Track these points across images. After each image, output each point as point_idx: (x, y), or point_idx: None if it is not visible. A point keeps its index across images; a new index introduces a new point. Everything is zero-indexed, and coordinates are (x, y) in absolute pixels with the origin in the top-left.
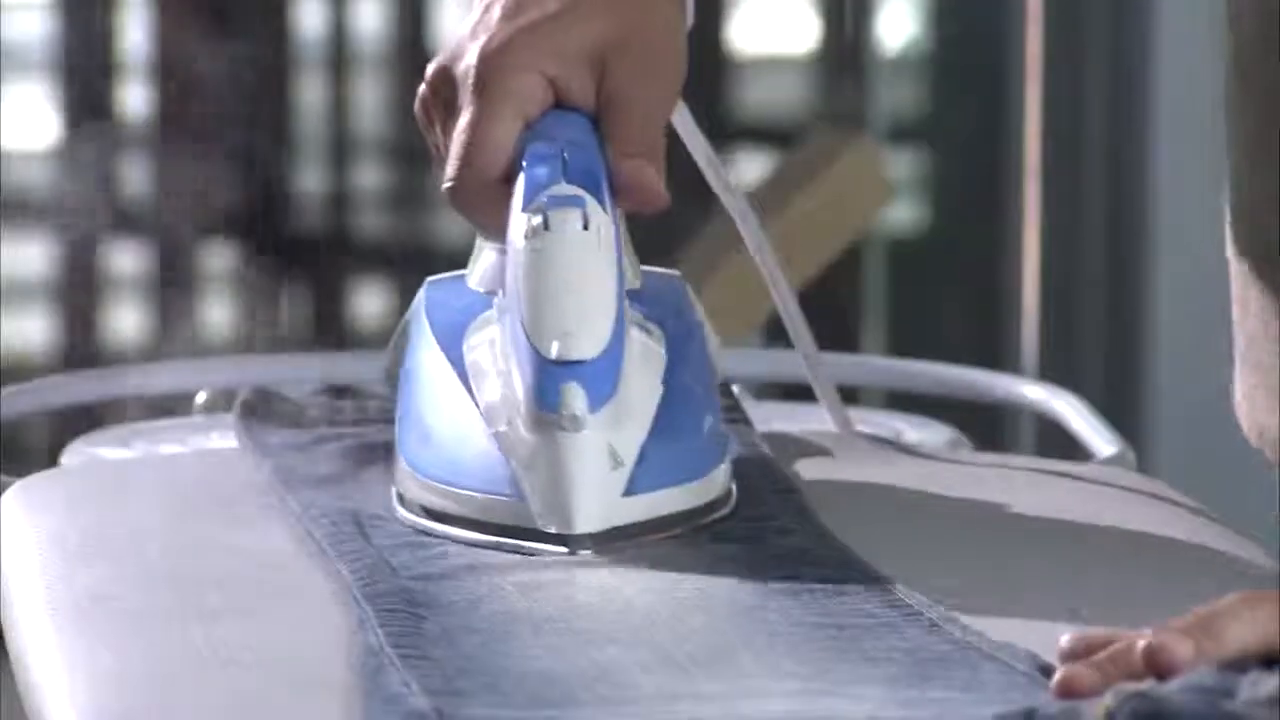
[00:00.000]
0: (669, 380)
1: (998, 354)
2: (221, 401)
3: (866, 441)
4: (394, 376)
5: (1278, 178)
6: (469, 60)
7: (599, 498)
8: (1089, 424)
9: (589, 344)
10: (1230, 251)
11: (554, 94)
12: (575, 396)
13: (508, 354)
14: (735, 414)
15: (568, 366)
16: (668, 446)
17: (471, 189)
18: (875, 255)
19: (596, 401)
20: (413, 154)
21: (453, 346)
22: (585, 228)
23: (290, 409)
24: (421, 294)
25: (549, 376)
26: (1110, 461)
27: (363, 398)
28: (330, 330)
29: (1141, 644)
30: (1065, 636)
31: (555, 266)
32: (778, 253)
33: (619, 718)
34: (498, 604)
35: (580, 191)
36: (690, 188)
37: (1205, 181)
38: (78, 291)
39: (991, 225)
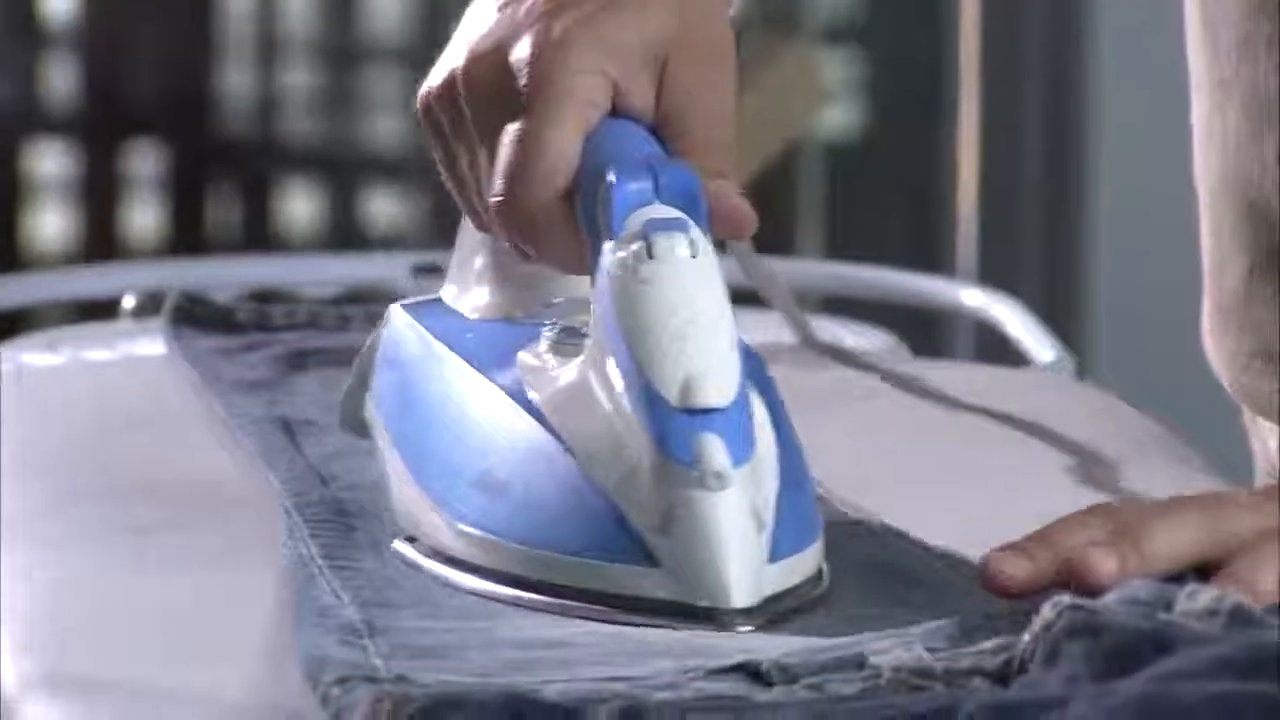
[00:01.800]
0: (775, 429)
1: (936, 259)
2: (149, 306)
3: (805, 348)
4: (355, 415)
5: (1254, 117)
6: (520, 54)
7: (752, 566)
8: (1028, 329)
9: (722, 389)
10: (1200, 182)
11: (612, 98)
12: (717, 450)
13: (610, 398)
14: None
15: (702, 415)
16: (796, 504)
17: (529, 206)
18: (811, 159)
19: (738, 455)
20: (341, 55)
21: (508, 383)
22: (694, 255)
23: (219, 314)
24: (402, 317)
25: (681, 426)
26: (1049, 367)
27: (292, 302)
28: (258, 234)
29: (1066, 559)
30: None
31: (669, 299)
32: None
33: (551, 628)
34: (471, 593)
35: (680, 214)
36: None
37: (1146, 82)
38: (2, 195)
39: (929, 128)
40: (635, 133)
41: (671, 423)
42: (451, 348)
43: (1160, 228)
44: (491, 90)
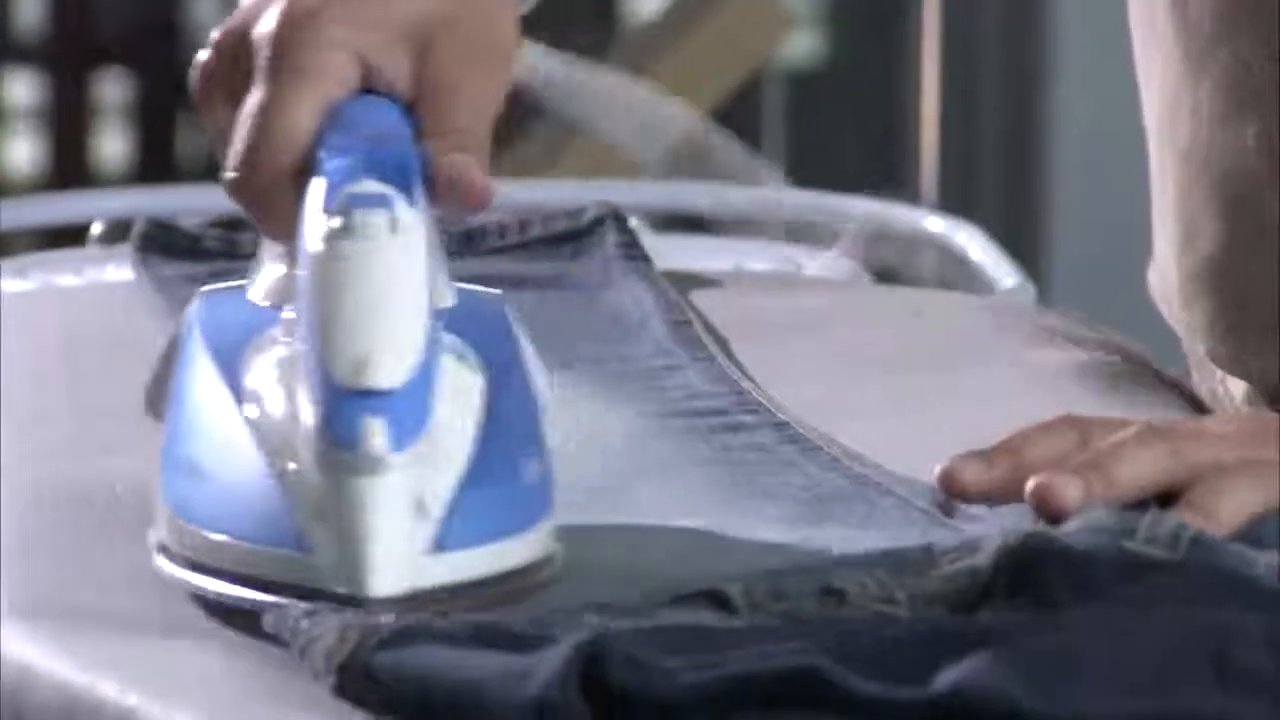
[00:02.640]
0: (487, 417)
1: (897, 186)
2: (118, 233)
3: (765, 274)
4: (158, 402)
5: (1231, 96)
6: (266, 27)
7: (400, 554)
8: (989, 256)
9: (393, 370)
10: (1161, 143)
11: (363, 75)
12: (375, 432)
13: (296, 380)
14: (633, 250)
15: (368, 396)
16: (483, 495)
17: (259, 182)
18: (773, 87)
19: (401, 439)
20: None
21: (230, 369)
22: (393, 232)
23: (187, 241)
24: (195, 306)
25: (345, 407)
26: (1010, 293)
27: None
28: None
29: (1029, 485)
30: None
31: (357, 277)
32: (675, 86)
33: None
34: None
35: (388, 189)
36: None
37: (1109, 8)
38: None
39: (890, 56)
40: (384, 109)
41: (337, 404)
42: (205, 334)
43: (1121, 156)
44: (236, 65)
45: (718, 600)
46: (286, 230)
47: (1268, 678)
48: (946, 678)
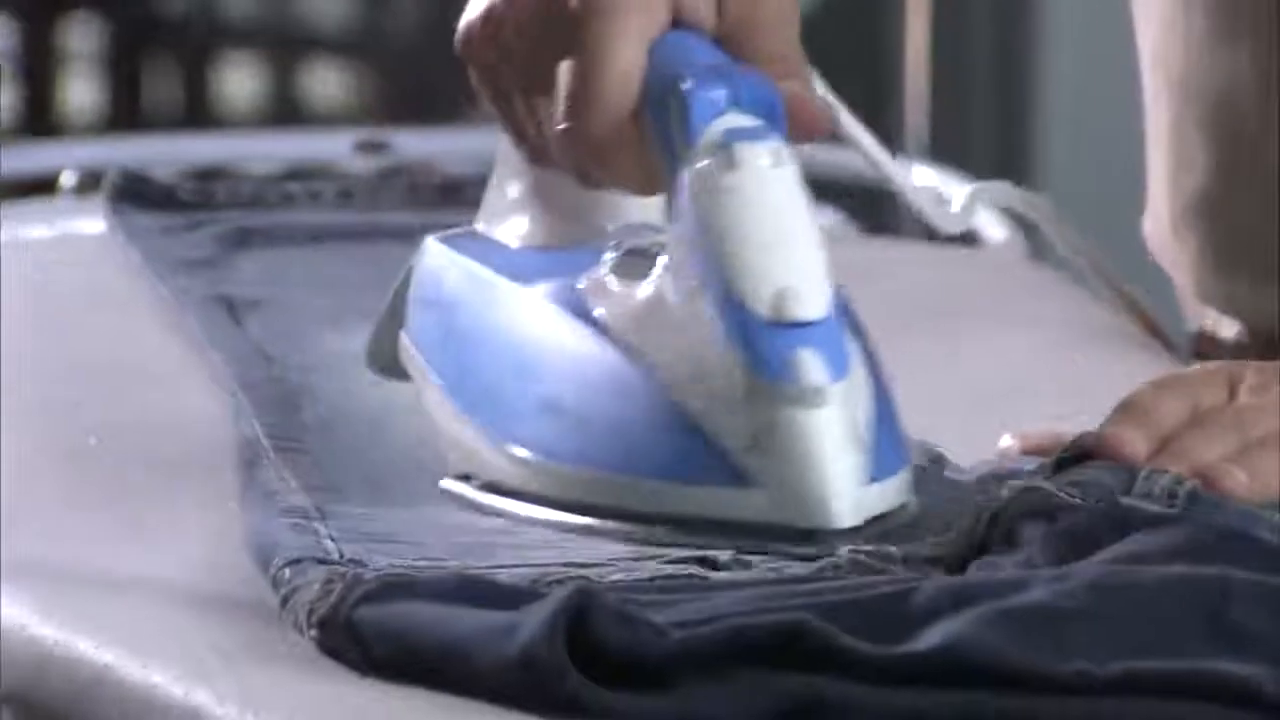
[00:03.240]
0: (860, 346)
1: (886, 137)
2: (90, 183)
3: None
4: (388, 355)
5: (1222, 21)
6: None
7: (853, 485)
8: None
9: (815, 301)
10: (1155, 75)
11: (673, 9)
12: (813, 364)
13: (692, 315)
14: None
15: (795, 329)
16: (889, 425)
17: (597, 129)
18: None
19: (835, 370)
20: None
21: (574, 306)
22: (777, 164)
23: (160, 192)
24: (440, 250)
25: (774, 341)
26: (1001, 246)
27: (234, 180)
28: (199, 110)
29: (1199, 470)
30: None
31: (755, 209)
32: None
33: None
34: (375, 391)
35: (759, 123)
36: None
37: None
38: None
39: (877, 5)
40: (699, 44)
41: (764, 338)
42: (501, 274)
43: (1112, 107)
44: (538, 17)
45: (707, 562)
46: (632, 172)
47: (1265, 634)
48: (938, 634)
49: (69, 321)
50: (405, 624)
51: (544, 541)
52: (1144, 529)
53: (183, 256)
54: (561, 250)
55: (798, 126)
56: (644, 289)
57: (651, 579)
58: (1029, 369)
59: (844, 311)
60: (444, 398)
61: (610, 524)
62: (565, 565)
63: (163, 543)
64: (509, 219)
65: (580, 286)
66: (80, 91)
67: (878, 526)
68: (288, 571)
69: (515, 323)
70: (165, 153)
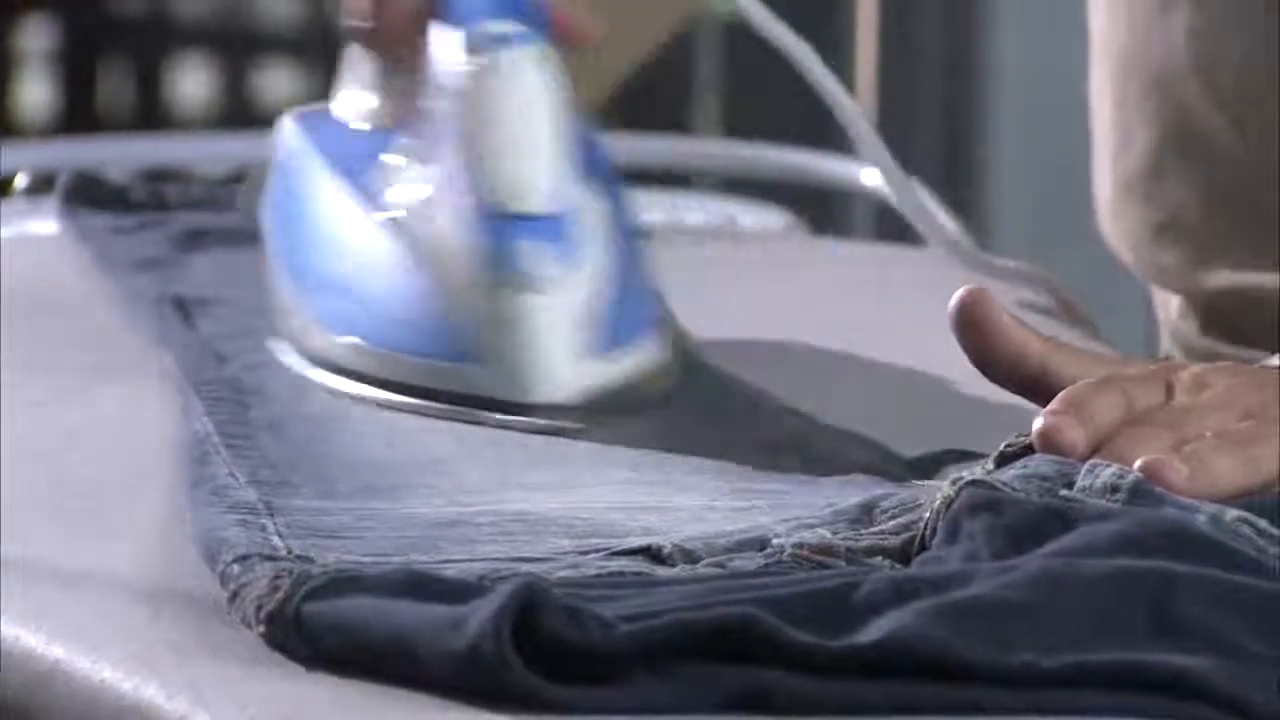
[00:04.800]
0: (613, 231)
1: (834, 138)
2: (42, 185)
3: (701, 228)
4: (254, 203)
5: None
6: None
7: (567, 363)
8: (925, 209)
9: (545, 196)
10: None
11: None
12: (534, 254)
13: (446, 205)
14: None
15: (527, 221)
16: (626, 304)
17: (388, 27)
18: (708, 37)
19: (560, 258)
20: None
21: (363, 189)
22: (535, 68)
23: (112, 193)
24: (290, 126)
25: (506, 231)
26: (947, 247)
27: (186, 181)
28: (152, 111)
29: (1142, 462)
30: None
31: (502, 110)
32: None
33: (449, 506)
34: (326, 390)
35: (524, 29)
36: None
37: None
38: None
39: (825, 5)
40: None
41: (494, 228)
42: (324, 155)
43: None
44: None
45: (652, 555)
46: (412, 65)
47: (1208, 627)
48: (881, 627)
49: (23, 319)
50: (353, 618)
51: (490, 536)
52: (1087, 522)
53: (135, 256)
54: (391, 130)
55: (563, 35)
56: (421, 177)
57: (598, 575)
58: (966, 366)
59: (612, 193)
60: (276, 267)
61: (380, 394)
62: (513, 560)
63: (113, 538)
64: (357, 97)
65: (375, 170)
66: (34, 92)
67: (618, 399)
68: (236, 567)
69: (322, 203)
70: (118, 154)
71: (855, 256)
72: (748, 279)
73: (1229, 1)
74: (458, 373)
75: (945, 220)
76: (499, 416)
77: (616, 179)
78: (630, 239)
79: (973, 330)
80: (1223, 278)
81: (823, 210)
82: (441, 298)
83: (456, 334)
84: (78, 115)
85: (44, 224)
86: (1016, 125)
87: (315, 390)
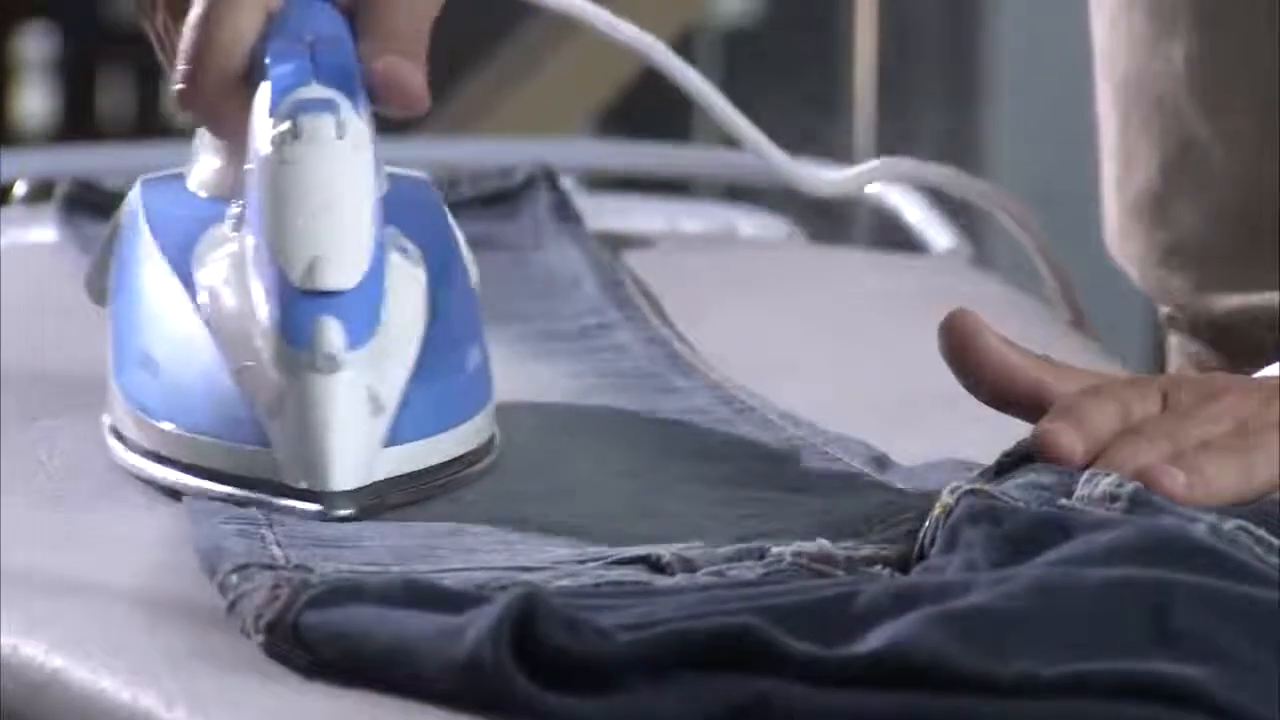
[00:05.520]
0: (432, 310)
1: (833, 146)
2: (41, 193)
3: (700, 235)
4: (99, 287)
5: (1159, 19)
6: None
7: (358, 450)
8: (924, 217)
9: (346, 271)
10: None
11: None
12: (331, 332)
13: (249, 279)
14: (565, 210)
15: (322, 298)
16: (433, 388)
17: (207, 91)
18: (708, 45)
19: (356, 338)
20: None
21: (182, 263)
22: (340, 136)
23: (111, 201)
24: (136, 193)
25: (300, 308)
26: (946, 255)
27: None
28: (151, 120)
29: (1137, 467)
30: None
31: (307, 180)
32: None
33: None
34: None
35: (333, 94)
36: None
37: None
38: None
39: (826, 12)
40: (323, 12)
41: (293, 305)
42: (155, 227)
43: (1060, 117)
44: None
45: (651, 564)
46: (235, 134)
47: (1206, 637)
48: (880, 636)
49: (21, 328)
50: (352, 628)
51: (489, 546)
52: (1086, 531)
53: None
54: (226, 200)
55: (391, 99)
56: (231, 249)
57: (597, 584)
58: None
59: (444, 260)
60: (108, 337)
61: (175, 477)
62: (511, 569)
63: (112, 548)
64: (198, 164)
65: (199, 243)
66: (33, 101)
67: (407, 488)
68: (235, 577)
69: (139, 275)
70: (117, 162)
71: (854, 264)
72: (746, 286)
73: (1229, 27)
74: (247, 456)
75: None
76: (281, 502)
77: (451, 240)
78: (460, 309)
79: (961, 354)
80: (1231, 300)
81: (822, 218)
82: (236, 376)
83: (249, 415)
84: (77, 123)
85: (43, 232)
86: (1018, 137)
87: None
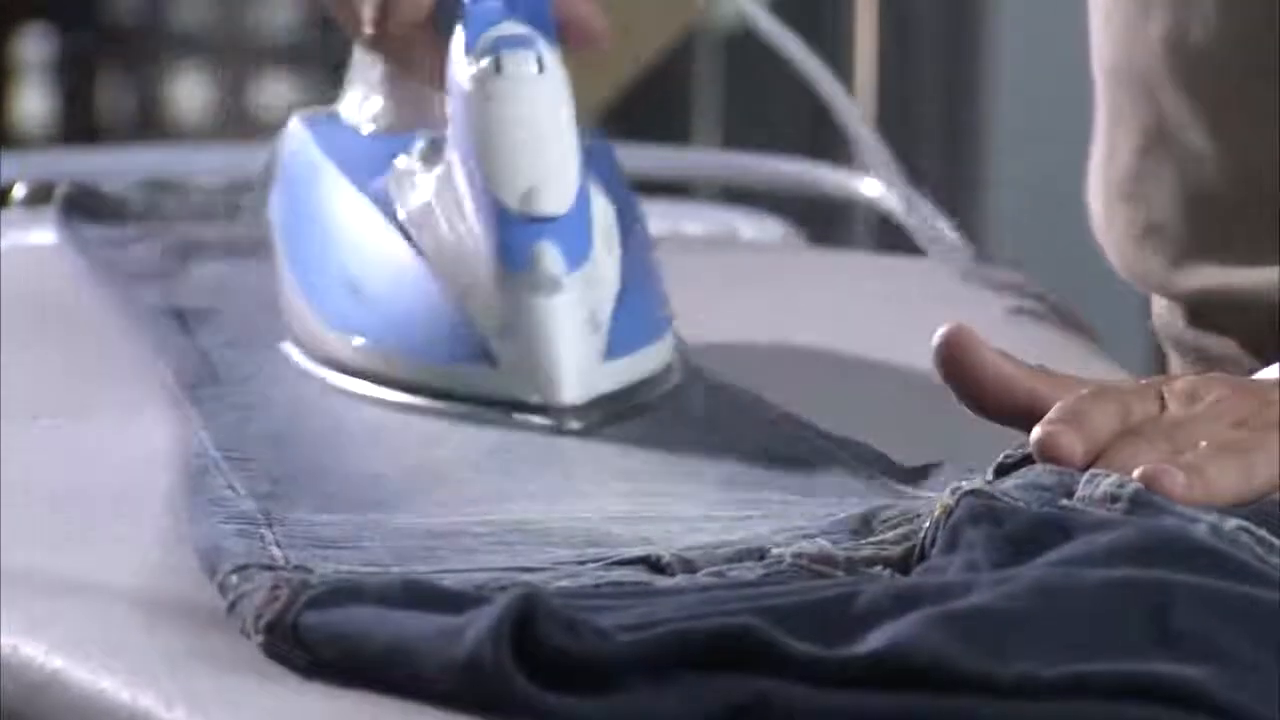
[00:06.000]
0: (623, 235)
1: (833, 148)
2: (40, 195)
3: (701, 237)
4: (263, 205)
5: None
6: None
7: (582, 365)
8: (924, 219)
9: (560, 198)
10: (1097, 66)
11: None
12: (551, 256)
13: (459, 207)
14: None
15: (539, 223)
16: (636, 306)
17: (399, 30)
18: (708, 47)
19: (572, 260)
20: None
21: (376, 193)
22: (540, 71)
23: (111, 203)
24: (297, 129)
25: (520, 234)
26: (946, 257)
27: (185, 191)
28: (150, 121)
29: (1140, 471)
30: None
31: (514, 113)
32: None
33: (447, 517)
34: (324, 401)
35: (530, 31)
36: None
37: None
38: None
39: (826, 15)
40: None
41: (511, 230)
42: (333, 159)
43: (1058, 118)
44: None
45: (651, 564)
46: (430, 71)
47: (1206, 637)
48: (880, 637)
49: (20, 330)
50: (351, 628)
51: (488, 546)
52: (1087, 532)
53: (133, 267)
54: (399, 135)
55: (573, 37)
56: (431, 180)
57: (597, 585)
58: None
59: (619, 193)
60: (285, 270)
61: (390, 394)
62: (511, 570)
63: (112, 548)
64: (364, 101)
65: (388, 175)
66: (32, 103)
67: (624, 401)
68: (235, 578)
69: (331, 205)
70: (117, 164)
71: (853, 266)
72: (747, 288)
73: (1203, 5)
74: (470, 374)
75: (946, 229)
76: (513, 416)
77: (624, 183)
78: (640, 242)
79: (957, 369)
80: (1199, 278)
81: (822, 220)
82: (455, 299)
83: (470, 335)
84: (76, 125)
85: (42, 234)
86: (1017, 138)
87: (315, 401)
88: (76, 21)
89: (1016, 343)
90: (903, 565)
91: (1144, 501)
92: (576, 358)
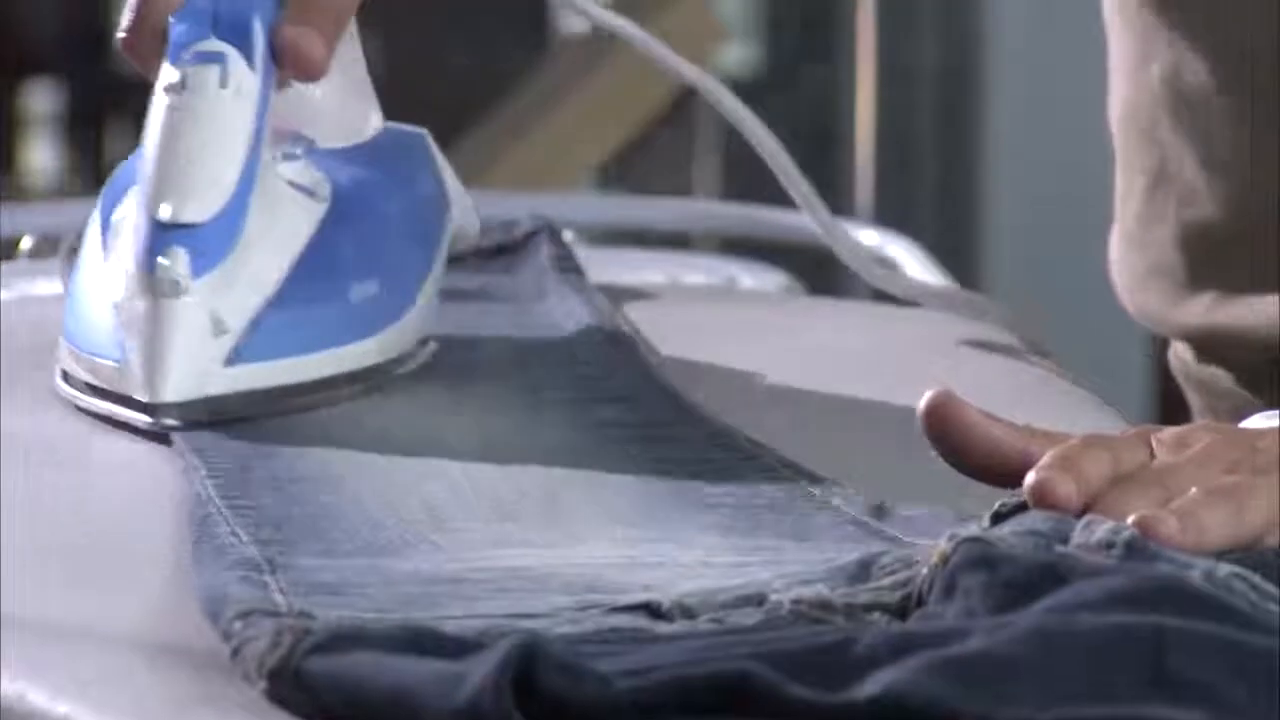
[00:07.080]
0: (319, 244)
1: (832, 199)
2: (47, 247)
3: (700, 287)
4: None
5: (1140, 44)
6: None
7: (192, 366)
8: (923, 269)
9: (200, 207)
10: (1111, 113)
11: None
12: (177, 260)
13: (134, 215)
14: (567, 262)
15: (175, 230)
16: (289, 314)
17: (142, 41)
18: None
19: (201, 267)
20: None
21: (106, 210)
22: (223, 86)
23: None
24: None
25: (156, 240)
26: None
27: None
28: None
29: (1135, 517)
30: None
31: (184, 126)
32: (609, 99)
33: (449, 563)
34: (327, 448)
35: (225, 48)
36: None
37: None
38: None
39: (826, 66)
40: None
41: (152, 235)
42: (112, 182)
43: (1055, 168)
44: None
45: (651, 610)
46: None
47: (1201, 682)
48: (879, 682)
49: (26, 380)
50: (353, 674)
51: (489, 593)
52: (1082, 578)
53: None
54: None
55: (291, 65)
56: (133, 191)
57: (597, 630)
58: None
59: (415, 191)
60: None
61: (79, 395)
62: (512, 616)
63: (116, 594)
64: None
65: (126, 192)
66: (39, 155)
67: (246, 406)
68: (238, 624)
69: (88, 231)
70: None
71: (852, 315)
72: (747, 337)
73: (1197, 41)
74: (107, 371)
75: (943, 282)
76: (120, 412)
77: (415, 186)
78: (374, 241)
79: (945, 436)
80: (1195, 315)
81: (821, 271)
82: (108, 300)
83: (114, 334)
84: (83, 177)
85: (48, 285)
86: (1015, 189)
87: (314, 448)
88: (83, 74)
89: (1012, 391)
90: (901, 611)
91: (1139, 548)
92: (186, 359)
